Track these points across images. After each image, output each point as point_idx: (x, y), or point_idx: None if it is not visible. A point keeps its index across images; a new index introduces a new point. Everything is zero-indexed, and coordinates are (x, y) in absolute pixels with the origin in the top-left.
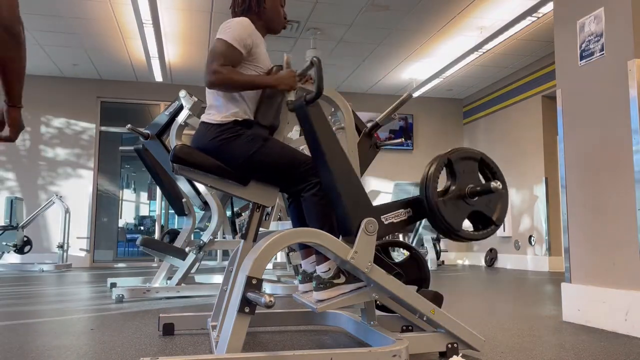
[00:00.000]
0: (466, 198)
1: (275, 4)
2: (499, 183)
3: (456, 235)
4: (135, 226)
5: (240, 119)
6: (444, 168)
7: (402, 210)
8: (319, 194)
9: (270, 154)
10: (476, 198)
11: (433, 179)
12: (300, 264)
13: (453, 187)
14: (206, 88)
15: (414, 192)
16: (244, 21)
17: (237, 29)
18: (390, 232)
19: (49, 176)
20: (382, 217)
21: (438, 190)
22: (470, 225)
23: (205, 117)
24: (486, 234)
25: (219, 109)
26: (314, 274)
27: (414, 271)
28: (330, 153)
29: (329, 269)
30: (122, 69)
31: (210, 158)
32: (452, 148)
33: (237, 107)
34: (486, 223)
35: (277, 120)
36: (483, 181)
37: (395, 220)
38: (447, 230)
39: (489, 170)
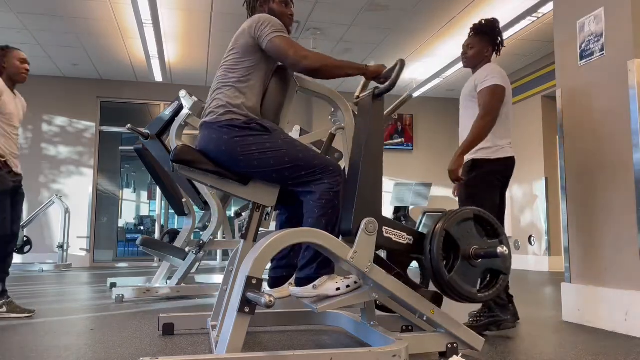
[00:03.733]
0: (471, 260)
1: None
2: (505, 249)
3: (466, 300)
4: (135, 226)
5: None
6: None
7: (405, 234)
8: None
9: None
10: (480, 260)
11: (437, 244)
12: None
13: (457, 252)
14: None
15: (414, 191)
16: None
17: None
18: (386, 246)
19: (49, 176)
20: (384, 227)
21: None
22: None
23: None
24: (497, 290)
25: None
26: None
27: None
28: (370, 149)
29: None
30: (122, 69)
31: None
32: (448, 212)
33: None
34: (495, 275)
35: (277, 120)
36: (484, 236)
37: (393, 238)
38: (437, 277)
39: (487, 224)
